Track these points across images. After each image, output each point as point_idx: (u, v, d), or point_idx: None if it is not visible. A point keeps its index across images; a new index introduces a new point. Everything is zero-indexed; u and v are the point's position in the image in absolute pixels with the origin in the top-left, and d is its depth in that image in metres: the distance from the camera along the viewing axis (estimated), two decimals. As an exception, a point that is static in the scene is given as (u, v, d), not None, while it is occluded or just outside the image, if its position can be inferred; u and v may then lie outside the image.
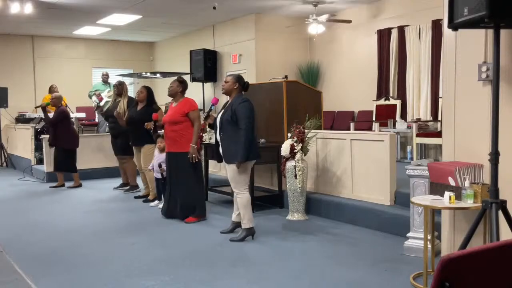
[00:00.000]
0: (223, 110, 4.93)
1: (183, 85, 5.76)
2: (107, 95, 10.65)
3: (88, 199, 7.29)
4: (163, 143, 6.21)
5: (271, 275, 3.89)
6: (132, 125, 6.83)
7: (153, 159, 6.52)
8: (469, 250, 1.49)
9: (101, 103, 9.90)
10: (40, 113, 11.38)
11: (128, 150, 7.26)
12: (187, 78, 11.41)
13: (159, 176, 6.39)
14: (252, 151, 4.82)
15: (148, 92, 6.82)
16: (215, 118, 5.02)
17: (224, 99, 5.25)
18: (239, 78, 4.95)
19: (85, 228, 5.55)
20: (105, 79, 11.25)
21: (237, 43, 11.19)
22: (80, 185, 8.31)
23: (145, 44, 14.61)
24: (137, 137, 6.82)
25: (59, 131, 8.05)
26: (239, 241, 4.83)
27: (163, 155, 6.14)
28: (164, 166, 6.17)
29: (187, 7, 9.84)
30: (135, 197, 7.20)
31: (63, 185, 8.29)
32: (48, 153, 8.90)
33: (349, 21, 9.78)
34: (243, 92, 4.98)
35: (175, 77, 6.05)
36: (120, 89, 7.43)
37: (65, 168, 8.21)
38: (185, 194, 5.67)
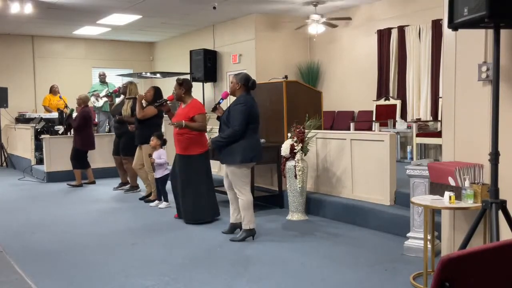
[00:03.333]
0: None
1: (184, 85, 5.65)
2: (104, 95, 10.64)
3: (88, 199, 7.29)
4: (153, 141, 6.44)
5: (271, 275, 3.89)
6: (136, 124, 6.89)
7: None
8: (469, 250, 1.49)
9: (113, 95, 9.69)
10: (40, 113, 11.47)
11: (130, 151, 7.25)
12: (186, 78, 11.45)
13: (158, 176, 6.43)
14: (250, 153, 4.80)
15: (155, 92, 6.81)
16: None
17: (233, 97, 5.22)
18: (242, 78, 4.89)
19: (85, 228, 5.55)
20: (103, 79, 11.26)
21: (237, 43, 11.19)
22: (80, 185, 8.34)
23: (145, 44, 14.61)
24: (139, 136, 6.86)
25: (77, 131, 8.34)
26: (239, 241, 4.83)
27: (158, 151, 6.43)
28: (154, 157, 6.39)
29: (187, 7, 9.84)
30: (140, 199, 7.10)
31: (94, 182, 8.58)
32: (48, 153, 8.92)
33: (349, 18, 9.76)
34: (250, 92, 4.93)
35: (175, 77, 6.04)
36: (123, 89, 7.57)
37: (72, 165, 8.41)
38: (188, 196, 5.61)
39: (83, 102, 8.36)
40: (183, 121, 5.44)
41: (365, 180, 5.66)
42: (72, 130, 8.69)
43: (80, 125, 8.27)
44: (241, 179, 4.84)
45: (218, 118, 5.10)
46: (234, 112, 4.76)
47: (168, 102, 6.19)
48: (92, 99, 10.87)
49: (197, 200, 5.61)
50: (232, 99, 5.07)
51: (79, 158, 8.39)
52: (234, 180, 4.85)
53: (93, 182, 8.54)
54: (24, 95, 12.72)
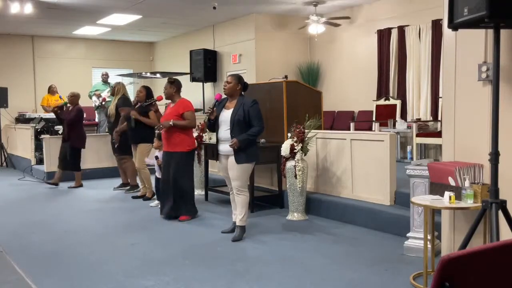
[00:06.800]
0: (231, 110, 4.91)
1: (174, 85, 5.79)
2: (107, 95, 10.67)
3: (88, 199, 7.29)
4: (156, 143, 6.48)
5: (271, 275, 3.89)
6: (130, 124, 6.89)
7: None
8: (469, 250, 1.49)
9: (104, 103, 10.06)
10: (40, 113, 11.45)
11: (127, 150, 7.30)
12: (186, 78, 11.48)
13: (159, 176, 6.43)
14: (259, 153, 5.04)
15: (147, 92, 6.86)
16: (217, 116, 5.02)
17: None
18: (240, 79, 5.00)
19: (85, 228, 5.56)
20: (105, 79, 11.27)
21: (237, 43, 11.19)
22: (81, 185, 8.32)
23: (145, 44, 14.61)
24: (133, 136, 6.90)
25: (73, 129, 8.15)
26: (238, 240, 4.84)
27: (161, 152, 6.35)
28: (160, 158, 6.33)
29: (187, 7, 9.84)
30: (133, 197, 7.21)
31: (57, 184, 8.29)
32: (48, 153, 8.91)
33: (348, 17, 9.74)
34: (243, 93, 5.01)
35: (175, 77, 6.11)
36: (112, 90, 7.68)
37: (70, 167, 8.26)
38: (176, 192, 5.72)
39: (76, 99, 8.22)
40: (171, 120, 5.58)
41: (365, 180, 5.66)
42: (63, 127, 8.36)
43: (75, 121, 8.11)
44: (247, 177, 5.04)
45: (209, 120, 5.09)
46: (255, 112, 4.87)
47: (156, 101, 6.35)
48: (94, 98, 10.89)
49: (181, 197, 5.74)
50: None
51: (77, 157, 8.22)
52: (241, 178, 4.90)
53: (81, 185, 8.33)
54: (24, 95, 12.71)
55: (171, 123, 5.56)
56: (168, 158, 5.75)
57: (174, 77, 6.01)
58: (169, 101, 5.97)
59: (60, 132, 9.60)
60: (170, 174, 5.73)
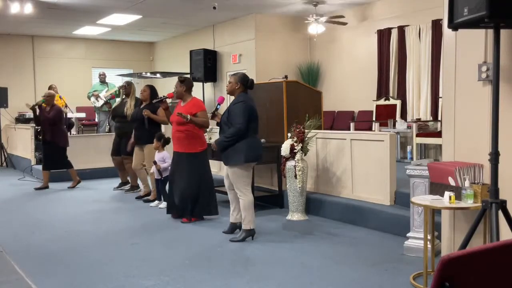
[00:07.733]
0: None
1: (185, 83, 5.67)
2: (105, 95, 10.68)
3: (88, 199, 7.29)
4: (155, 144, 6.46)
5: (271, 275, 3.89)
6: (136, 124, 6.86)
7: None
8: (469, 250, 1.49)
9: (110, 100, 10.03)
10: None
11: (132, 151, 7.22)
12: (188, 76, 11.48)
13: (158, 176, 6.43)
14: (253, 152, 4.82)
15: (151, 91, 6.82)
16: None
17: (231, 99, 5.23)
18: (241, 78, 4.90)
19: (85, 228, 5.55)
20: (102, 79, 11.27)
21: (237, 43, 11.20)
22: (79, 181, 8.28)
23: (145, 44, 14.61)
24: (139, 136, 6.83)
25: (56, 129, 8.07)
26: (239, 241, 4.83)
27: (160, 153, 6.39)
28: (159, 163, 6.32)
29: (187, 7, 9.84)
30: (137, 198, 7.17)
31: (47, 187, 8.21)
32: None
33: (345, 23, 9.73)
34: (248, 91, 4.94)
35: (175, 77, 6.06)
36: (128, 89, 7.43)
37: (63, 166, 8.23)
38: (189, 193, 5.64)
39: (53, 99, 8.14)
40: (189, 115, 5.44)
41: (365, 180, 5.66)
42: (43, 127, 8.17)
43: (57, 120, 8.01)
44: (243, 179, 4.84)
45: (218, 124, 5.09)
46: (235, 111, 4.75)
47: (167, 99, 6.26)
48: (92, 99, 10.90)
49: (198, 198, 5.66)
50: (229, 101, 5.07)
51: (65, 156, 8.15)
52: (235, 180, 4.84)
53: (79, 181, 8.33)
54: (24, 95, 12.67)
55: (188, 117, 5.39)
56: (179, 159, 5.64)
57: (184, 76, 5.91)
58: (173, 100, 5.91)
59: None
60: (182, 175, 5.62)
